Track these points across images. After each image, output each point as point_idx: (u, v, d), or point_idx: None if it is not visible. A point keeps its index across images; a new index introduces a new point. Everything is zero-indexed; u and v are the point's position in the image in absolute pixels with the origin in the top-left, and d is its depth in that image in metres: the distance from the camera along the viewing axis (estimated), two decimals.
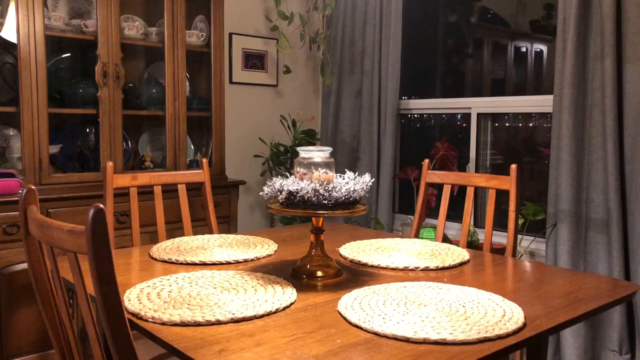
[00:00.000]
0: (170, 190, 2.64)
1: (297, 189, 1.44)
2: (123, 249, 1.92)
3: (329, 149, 1.56)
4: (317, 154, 1.55)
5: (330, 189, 1.45)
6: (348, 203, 1.47)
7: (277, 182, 1.52)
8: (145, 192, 2.62)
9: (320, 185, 1.45)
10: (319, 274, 1.55)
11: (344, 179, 1.53)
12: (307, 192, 1.43)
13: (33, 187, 1.19)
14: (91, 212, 0.92)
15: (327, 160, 1.55)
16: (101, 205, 0.93)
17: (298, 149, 1.60)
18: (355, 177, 1.54)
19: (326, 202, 1.43)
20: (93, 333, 1.05)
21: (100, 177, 2.72)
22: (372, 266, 1.68)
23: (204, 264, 1.68)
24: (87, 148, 2.91)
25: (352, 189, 1.47)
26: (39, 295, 1.21)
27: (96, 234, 0.92)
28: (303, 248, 1.88)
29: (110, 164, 2.07)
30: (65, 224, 1.03)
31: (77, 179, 2.68)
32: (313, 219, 1.55)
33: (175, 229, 2.83)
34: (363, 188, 1.50)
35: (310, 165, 1.53)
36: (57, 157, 2.80)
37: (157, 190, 2.19)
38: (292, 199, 1.45)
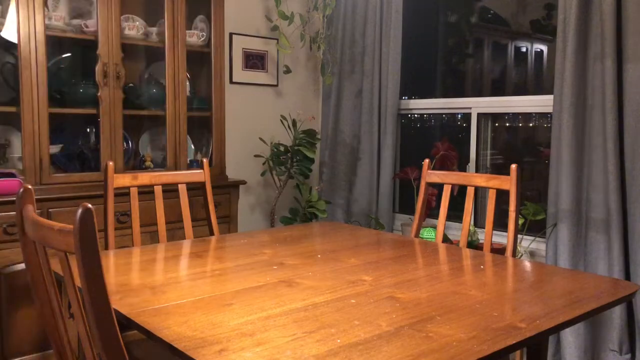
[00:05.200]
0: (170, 190, 2.65)
1: None
2: (123, 249, 1.92)
3: None
4: None
5: None
6: None
7: None
8: (146, 192, 2.63)
9: None
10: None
11: None
12: None
13: (29, 187, 1.18)
14: (79, 211, 0.92)
15: None
16: (89, 205, 0.93)
17: None
18: None
19: None
20: (83, 331, 1.05)
21: (101, 177, 2.72)
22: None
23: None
24: (87, 148, 2.91)
25: None
26: (37, 295, 1.21)
27: (84, 233, 0.92)
28: (303, 248, 1.89)
29: (110, 163, 2.08)
30: (55, 223, 1.03)
31: (77, 179, 2.68)
32: None
33: (175, 229, 2.84)
34: None
35: None
36: (58, 157, 2.80)
37: (158, 190, 2.19)
38: None
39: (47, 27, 2.56)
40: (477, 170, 3.28)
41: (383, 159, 3.51)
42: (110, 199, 2.07)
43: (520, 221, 2.77)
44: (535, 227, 2.83)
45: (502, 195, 2.14)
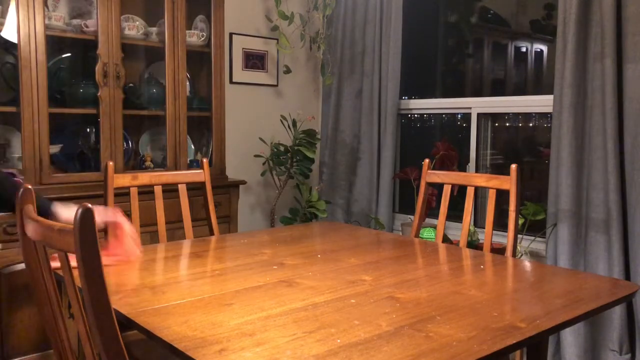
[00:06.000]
0: (170, 190, 2.65)
1: None
2: None
3: None
4: None
5: None
6: None
7: None
8: (146, 192, 2.62)
9: None
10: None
11: None
12: None
13: (30, 187, 1.18)
14: (79, 211, 0.92)
15: None
16: (89, 205, 0.93)
17: None
18: None
19: None
20: (83, 331, 1.05)
21: (101, 177, 2.72)
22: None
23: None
24: (87, 148, 2.91)
25: None
26: (37, 295, 1.21)
27: (84, 233, 0.92)
28: (303, 248, 1.89)
29: (110, 163, 2.08)
30: (55, 223, 1.03)
31: (77, 179, 2.68)
32: None
33: (175, 229, 2.84)
34: None
35: None
36: (58, 157, 2.80)
37: (158, 190, 2.19)
38: None
39: (47, 27, 2.56)
40: (477, 170, 3.28)
41: (383, 159, 3.51)
42: (110, 199, 2.07)
43: (520, 221, 2.77)
44: (535, 227, 2.83)
45: (502, 195, 2.14)
